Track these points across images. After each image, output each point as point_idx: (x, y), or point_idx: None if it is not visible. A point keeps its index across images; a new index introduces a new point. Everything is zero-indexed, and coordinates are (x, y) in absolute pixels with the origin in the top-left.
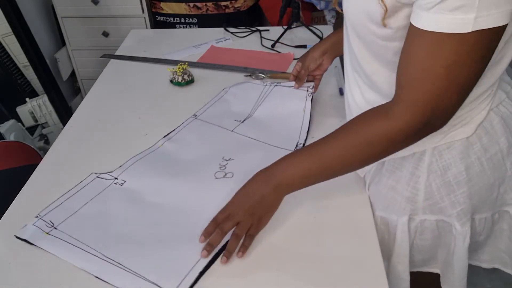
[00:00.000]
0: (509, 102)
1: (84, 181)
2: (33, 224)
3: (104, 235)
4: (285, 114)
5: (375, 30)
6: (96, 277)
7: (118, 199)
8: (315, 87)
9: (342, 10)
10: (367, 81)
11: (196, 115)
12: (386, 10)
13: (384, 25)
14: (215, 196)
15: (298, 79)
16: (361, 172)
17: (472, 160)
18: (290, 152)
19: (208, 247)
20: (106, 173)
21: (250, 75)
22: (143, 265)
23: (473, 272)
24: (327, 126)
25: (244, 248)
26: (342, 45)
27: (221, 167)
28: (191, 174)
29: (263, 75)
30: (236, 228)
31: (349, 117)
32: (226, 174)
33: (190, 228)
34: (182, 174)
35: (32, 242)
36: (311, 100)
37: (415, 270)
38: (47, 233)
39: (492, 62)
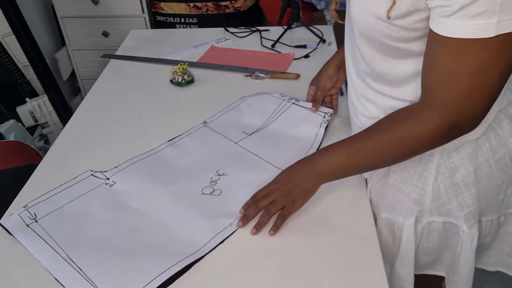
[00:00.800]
0: None
1: (79, 177)
2: (18, 214)
3: (76, 236)
4: (295, 136)
5: (387, 32)
6: (55, 278)
7: (102, 201)
8: (335, 108)
9: (341, 20)
10: (383, 84)
11: (206, 122)
12: (394, 3)
13: (388, 17)
14: (195, 213)
15: (315, 101)
16: (366, 174)
17: (481, 161)
18: None
19: (244, 219)
20: (100, 172)
21: (250, 75)
22: (101, 273)
23: (474, 272)
24: (327, 126)
25: (276, 227)
26: (330, 81)
27: (211, 182)
28: (180, 185)
29: (263, 75)
30: (270, 205)
31: (354, 128)
32: (213, 191)
33: (160, 241)
34: (172, 183)
35: (11, 233)
36: (326, 127)
37: (420, 272)
38: (27, 225)
39: None
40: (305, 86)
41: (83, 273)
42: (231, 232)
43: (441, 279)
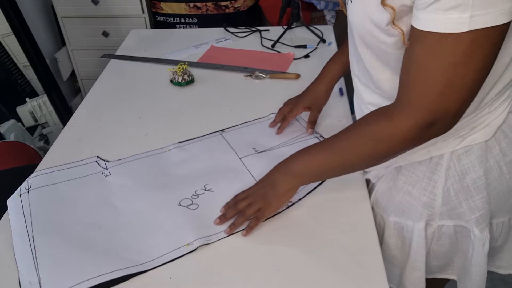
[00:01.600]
0: None
1: (85, 160)
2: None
3: (51, 217)
4: None
5: (384, 39)
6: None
7: (92, 189)
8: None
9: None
10: (378, 91)
11: (223, 131)
12: (394, 10)
13: (397, 27)
14: (163, 224)
15: (312, 122)
16: (373, 177)
17: (491, 164)
18: None
19: (222, 217)
20: (104, 160)
21: (250, 75)
22: (49, 260)
23: None
24: (327, 126)
25: (249, 229)
26: (342, 74)
27: (193, 195)
28: (164, 191)
29: (263, 75)
30: (247, 206)
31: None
32: (191, 205)
33: (118, 243)
34: (157, 189)
35: (7, 203)
36: None
37: (431, 276)
38: (19, 195)
39: (504, 63)
40: (305, 86)
41: (35, 255)
42: (187, 252)
43: (443, 283)
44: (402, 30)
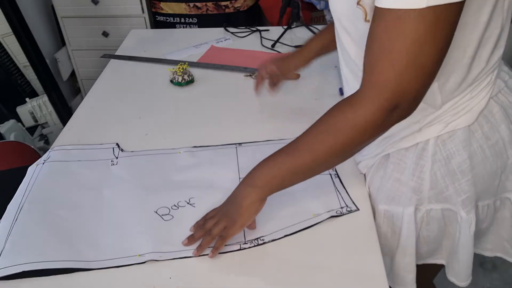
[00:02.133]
0: (507, 91)
1: (104, 144)
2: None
3: (43, 194)
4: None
5: (362, 27)
6: None
7: (92, 174)
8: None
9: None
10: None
11: (240, 144)
12: (366, 12)
13: (361, 6)
14: (131, 227)
15: (272, 83)
16: (362, 168)
17: (475, 148)
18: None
19: (190, 238)
20: (121, 149)
21: (250, 75)
22: (18, 234)
23: (473, 272)
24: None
25: (215, 250)
26: (324, 51)
27: (173, 206)
28: (153, 193)
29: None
30: (213, 226)
31: None
32: (166, 215)
33: (83, 233)
34: (149, 189)
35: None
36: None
37: (421, 262)
38: (36, 165)
39: (481, 42)
40: (306, 86)
41: (13, 225)
42: (137, 262)
43: (434, 271)
44: (364, 8)
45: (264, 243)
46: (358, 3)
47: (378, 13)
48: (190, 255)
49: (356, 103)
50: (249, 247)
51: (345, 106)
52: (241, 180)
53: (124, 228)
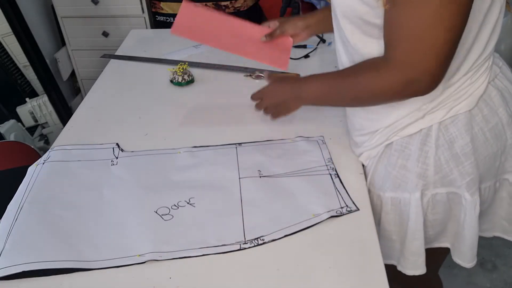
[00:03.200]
0: (502, 76)
1: (104, 144)
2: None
3: (43, 194)
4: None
5: (367, 11)
6: None
7: (92, 174)
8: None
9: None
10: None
11: (240, 144)
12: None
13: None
14: (130, 227)
15: (270, 35)
16: (364, 159)
17: (476, 131)
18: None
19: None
20: (121, 149)
21: (250, 75)
22: (18, 233)
23: (473, 271)
24: (327, 124)
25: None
26: (326, 24)
27: (173, 206)
28: (152, 193)
29: (263, 75)
30: (263, 110)
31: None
32: (166, 215)
33: (83, 233)
34: (149, 189)
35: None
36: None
37: (427, 246)
38: (36, 165)
39: (472, 31)
40: None
41: (13, 224)
42: (137, 262)
43: (441, 257)
44: None
45: (264, 243)
46: None
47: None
48: (190, 255)
49: (381, 70)
50: (249, 247)
51: (370, 72)
52: (285, 82)
53: (124, 228)
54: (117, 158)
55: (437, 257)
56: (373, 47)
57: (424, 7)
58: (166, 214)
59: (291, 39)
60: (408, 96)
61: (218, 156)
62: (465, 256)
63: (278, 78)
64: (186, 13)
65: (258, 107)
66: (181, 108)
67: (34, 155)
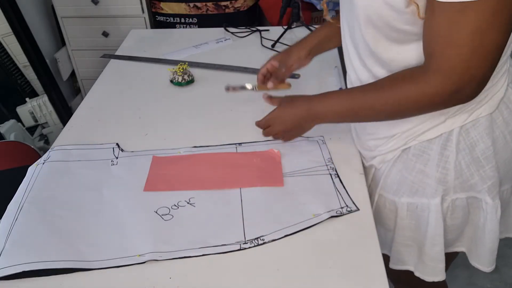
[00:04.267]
0: None
1: (104, 144)
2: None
3: (43, 194)
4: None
5: (395, 16)
6: None
7: (93, 174)
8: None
9: (332, 19)
10: (388, 72)
11: (240, 144)
12: (418, 9)
13: (413, 2)
14: (130, 227)
15: (275, 78)
16: (378, 163)
17: (497, 134)
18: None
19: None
20: (121, 149)
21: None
22: (19, 233)
23: (474, 272)
24: (327, 124)
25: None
26: (327, 44)
27: (173, 206)
28: (152, 193)
29: (238, 88)
30: (273, 136)
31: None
32: (166, 215)
33: (82, 233)
34: (149, 192)
35: (28, 170)
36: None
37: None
38: (36, 165)
39: None
40: (305, 86)
41: (13, 224)
42: (137, 262)
43: (451, 258)
44: (417, 5)
45: (264, 243)
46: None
47: (438, 6)
48: (190, 254)
49: (422, 81)
50: (249, 247)
51: (410, 82)
52: (297, 101)
53: (124, 228)
54: (117, 158)
55: (446, 260)
56: (395, 52)
57: (475, 13)
58: (166, 214)
59: (278, 152)
60: (453, 104)
61: (220, 154)
62: (484, 260)
63: (285, 102)
64: (156, 166)
65: (266, 134)
66: (181, 108)
67: (34, 155)
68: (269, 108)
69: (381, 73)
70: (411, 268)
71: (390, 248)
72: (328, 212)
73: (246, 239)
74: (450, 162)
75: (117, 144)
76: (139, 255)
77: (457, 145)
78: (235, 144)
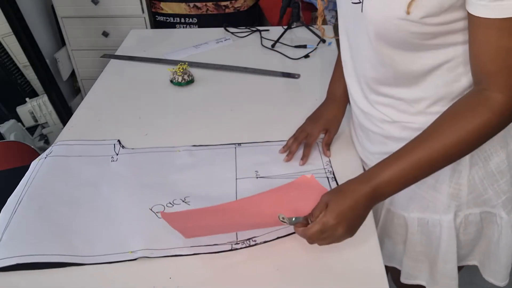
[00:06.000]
0: None
1: (106, 140)
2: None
3: (43, 188)
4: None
5: (414, 30)
6: None
7: (93, 170)
8: (306, 157)
9: (333, 36)
10: (402, 87)
11: (239, 145)
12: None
13: (408, 13)
14: (126, 223)
15: (306, 146)
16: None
17: (511, 147)
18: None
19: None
20: (122, 146)
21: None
22: (16, 226)
23: (473, 272)
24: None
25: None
26: (337, 120)
27: (169, 203)
28: (150, 191)
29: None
30: (333, 231)
31: (372, 136)
32: (157, 213)
33: (78, 228)
34: (147, 186)
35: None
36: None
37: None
38: (39, 159)
39: None
40: (305, 86)
41: (12, 217)
42: (130, 259)
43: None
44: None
45: (256, 244)
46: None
47: (485, 23)
48: (182, 253)
49: (485, 106)
50: (241, 248)
51: (473, 111)
52: (359, 193)
53: (118, 224)
54: (117, 154)
55: None
56: (411, 61)
57: None
58: (157, 213)
59: (312, 177)
60: None
61: (216, 156)
62: (498, 274)
63: (332, 199)
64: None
65: (321, 244)
66: (181, 108)
67: (34, 155)
68: (271, 106)
69: (393, 91)
70: (422, 283)
71: (401, 262)
72: None
73: (238, 240)
74: (463, 177)
75: (119, 140)
76: (131, 252)
77: (470, 159)
78: (235, 144)
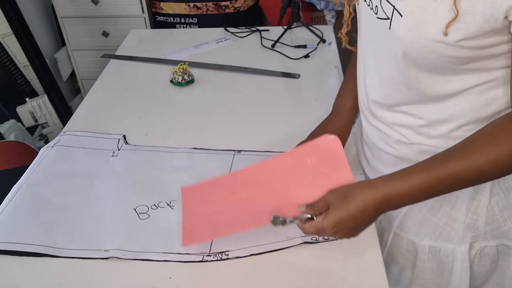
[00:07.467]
0: None
1: (112, 135)
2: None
3: (42, 177)
4: None
5: (448, 53)
6: None
7: (92, 163)
8: None
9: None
10: (425, 106)
11: (239, 152)
12: (456, 16)
13: (445, 34)
14: (109, 221)
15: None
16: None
17: None
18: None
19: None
20: (125, 141)
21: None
22: (9, 212)
23: None
24: None
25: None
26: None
27: (153, 206)
28: (139, 190)
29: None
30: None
31: (385, 157)
32: (143, 214)
33: (68, 221)
34: (138, 185)
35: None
36: None
37: None
38: (46, 147)
39: None
40: (305, 86)
41: (8, 203)
42: (102, 257)
43: None
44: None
45: (227, 258)
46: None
47: None
48: (152, 258)
49: None
50: (211, 261)
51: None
52: (367, 198)
53: (100, 221)
54: (119, 150)
55: None
56: (439, 85)
57: None
58: (144, 213)
59: (335, 139)
60: None
61: (213, 161)
62: None
63: (337, 202)
64: (189, 202)
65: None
66: (181, 108)
67: (34, 155)
68: (271, 106)
69: (414, 110)
70: None
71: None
72: (302, 237)
73: (210, 251)
74: (482, 207)
75: (124, 136)
76: (105, 250)
77: (491, 189)
78: (234, 151)
